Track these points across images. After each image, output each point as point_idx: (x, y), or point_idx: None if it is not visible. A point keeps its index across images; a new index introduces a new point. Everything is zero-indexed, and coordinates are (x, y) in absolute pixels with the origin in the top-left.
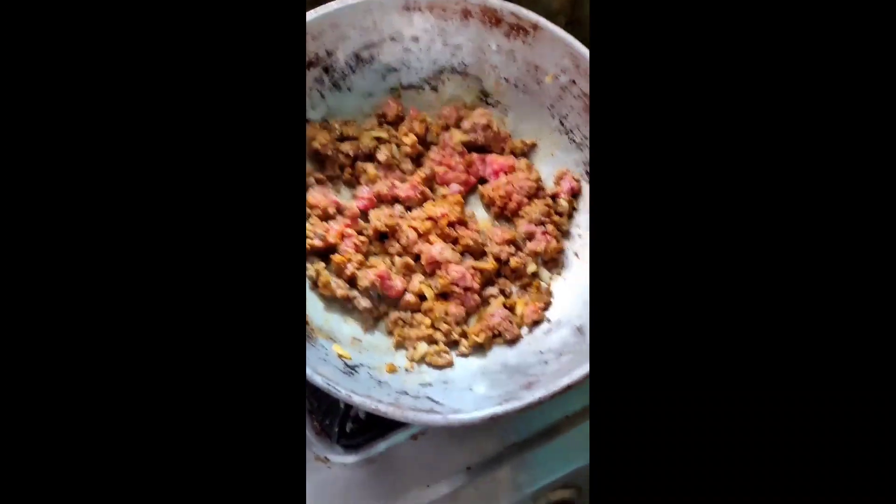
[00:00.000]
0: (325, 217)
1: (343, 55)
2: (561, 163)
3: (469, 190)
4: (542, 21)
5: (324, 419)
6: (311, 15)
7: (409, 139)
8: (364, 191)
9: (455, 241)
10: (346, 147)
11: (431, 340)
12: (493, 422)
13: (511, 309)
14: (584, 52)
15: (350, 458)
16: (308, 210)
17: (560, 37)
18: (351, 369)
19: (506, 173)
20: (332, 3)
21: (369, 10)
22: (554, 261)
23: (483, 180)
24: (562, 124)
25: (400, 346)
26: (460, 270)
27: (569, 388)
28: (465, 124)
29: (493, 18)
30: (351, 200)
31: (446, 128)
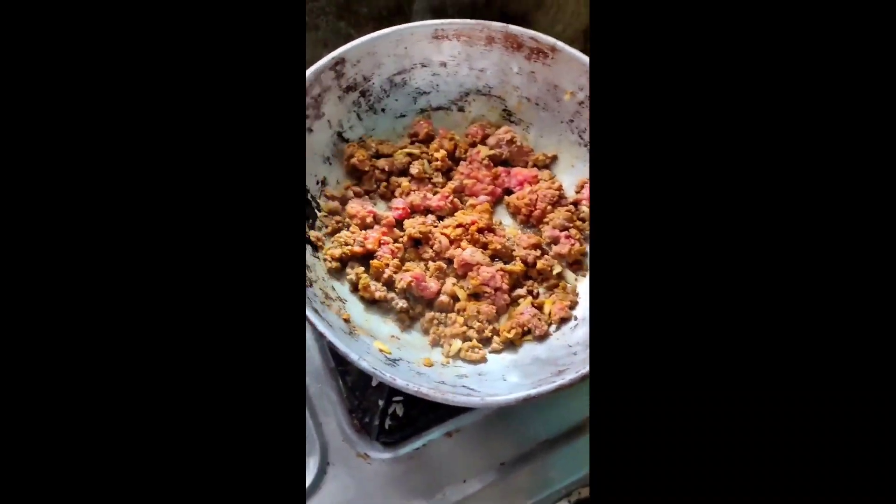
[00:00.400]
0: (364, 226)
1: (378, 80)
2: (581, 173)
3: (496, 200)
4: (560, 44)
5: (363, 417)
6: (350, 45)
7: (440, 154)
8: (399, 202)
9: (485, 247)
10: (382, 163)
11: (465, 338)
12: (527, 403)
13: (539, 308)
14: None
15: (388, 455)
16: (348, 219)
17: (576, 57)
18: (392, 361)
19: (530, 184)
20: (369, 34)
21: (402, 39)
22: (578, 263)
23: (509, 191)
24: (580, 137)
25: (436, 343)
26: (490, 271)
27: None
28: (491, 140)
29: (514, 43)
30: (387, 211)
31: (473, 144)
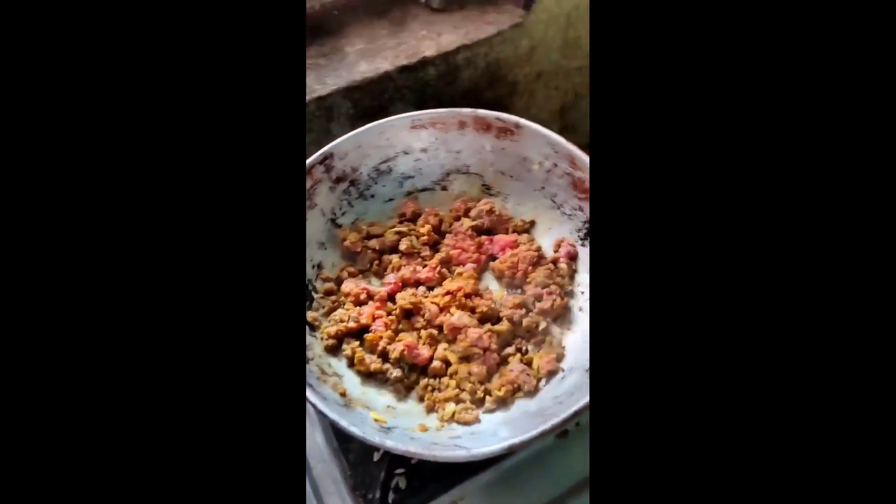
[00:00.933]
0: (358, 302)
1: (366, 170)
2: (557, 233)
3: (482, 267)
4: (522, 121)
5: (367, 493)
6: (337, 141)
7: (426, 229)
8: (390, 277)
9: (472, 310)
10: (373, 243)
11: (458, 400)
12: (512, 452)
13: (528, 364)
14: (560, 139)
15: None
16: (343, 298)
17: (538, 131)
18: (386, 430)
19: (511, 248)
20: (354, 130)
21: (384, 132)
22: (562, 317)
23: (493, 257)
24: (553, 201)
25: (430, 409)
26: (478, 332)
27: (576, 414)
28: (473, 212)
29: (484, 125)
30: (380, 287)
31: (457, 218)
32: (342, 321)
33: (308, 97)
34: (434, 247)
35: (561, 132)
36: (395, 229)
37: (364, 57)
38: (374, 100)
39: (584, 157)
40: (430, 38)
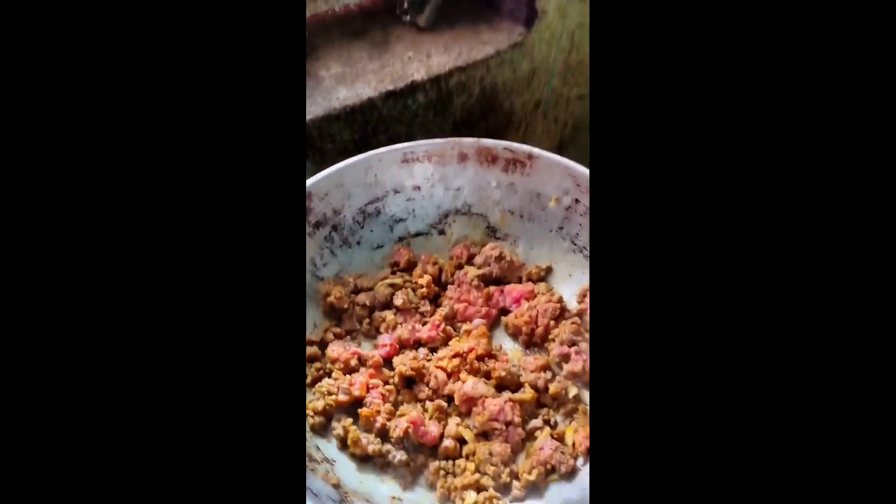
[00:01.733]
0: (348, 370)
1: (350, 212)
2: (580, 280)
3: (492, 323)
4: (536, 150)
5: None
6: (315, 178)
7: (425, 280)
8: (385, 338)
9: (487, 376)
10: (362, 298)
11: (480, 487)
12: None
13: (560, 439)
14: (584, 171)
15: None
16: (329, 365)
17: (557, 161)
18: None
19: (527, 300)
20: (334, 165)
21: (370, 167)
22: None
23: (505, 311)
24: (573, 243)
25: (445, 499)
26: (498, 403)
27: None
28: (478, 259)
29: (489, 157)
30: (373, 350)
31: (459, 266)
32: (330, 394)
33: None
34: (434, 300)
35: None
36: (388, 281)
37: (342, 81)
38: (354, 132)
39: None
40: (417, 60)
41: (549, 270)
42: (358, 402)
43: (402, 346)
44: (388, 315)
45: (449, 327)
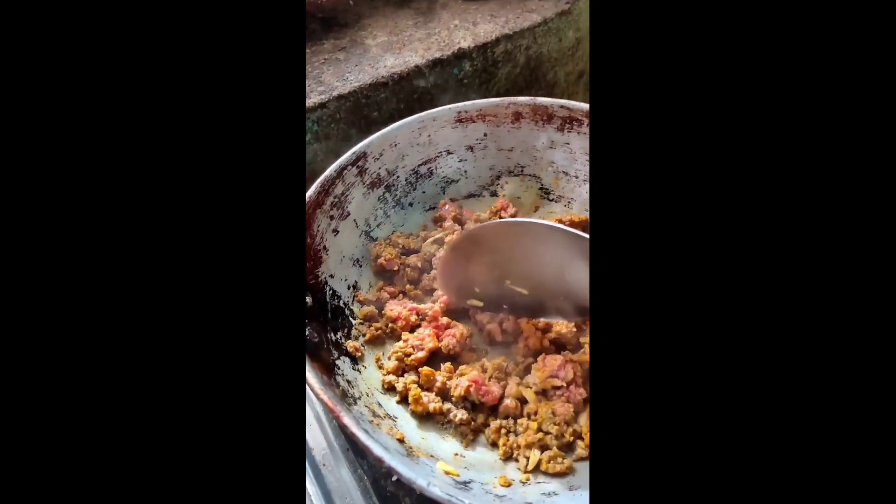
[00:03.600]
0: (410, 327)
1: (403, 173)
2: None
3: None
4: None
5: None
6: (371, 138)
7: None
8: (439, 292)
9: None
10: (412, 259)
11: (543, 446)
12: None
13: None
14: None
15: None
16: (391, 324)
17: None
18: (463, 485)
19: None
20: (389, 125)
21: (424, 127)
22: None
23: None
24: None
25: (508, 457)
26: (558, 360)
27: None
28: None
29: (544, 116)
30: (430, 305)
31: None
32: (408, 355)
33: (327, 96)
34: None
35: None
36: (432, 238)
37: (389, 50)
38: (400, 101)
39: None
40: (464, 28)
41: None
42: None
43: None
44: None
45: None
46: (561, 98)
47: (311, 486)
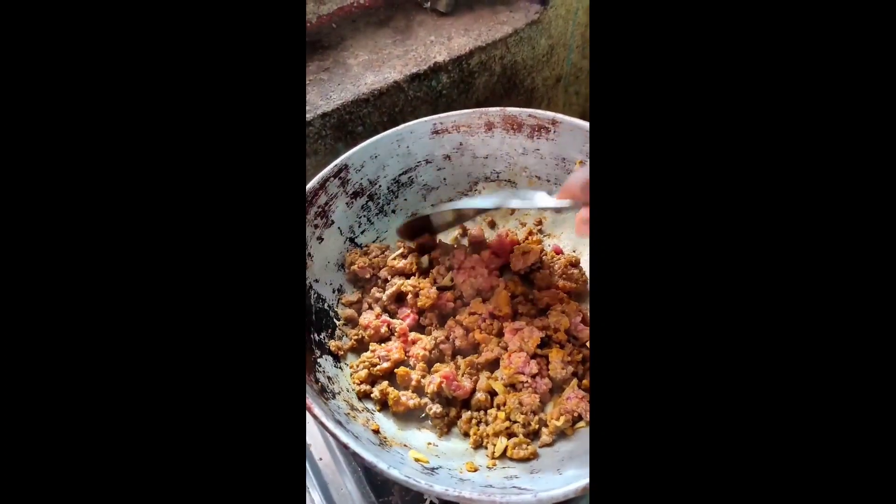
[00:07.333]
0: (380, 339)
1: (385, 182)
2: None
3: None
4: (559, 116)
5: None
6: (352, 151)
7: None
8: (405, 309)
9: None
10: (383, 273)
11: (510, 433)
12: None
13: (587, 389)
14: None
15: None
16: (362, 332)
17: (578, 125)
18: (430, 471)
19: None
20: (369, 139)
21: (402, 139)
22: None
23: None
24: None
25: (478, 445)
26: (522, 357)
27: None
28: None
29: (514, 124)
30: (398, 319)
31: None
32: (374, 365)
33: (311, 115)
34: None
35: None
36: (393, 255)
37: (369, 68)
38: (382, 114)
39: None
40: (439, 44)
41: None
42: (397, 365)
43: (421, 312)
44: (404, 284)
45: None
46: (541, 102)
47: (311, 486)
